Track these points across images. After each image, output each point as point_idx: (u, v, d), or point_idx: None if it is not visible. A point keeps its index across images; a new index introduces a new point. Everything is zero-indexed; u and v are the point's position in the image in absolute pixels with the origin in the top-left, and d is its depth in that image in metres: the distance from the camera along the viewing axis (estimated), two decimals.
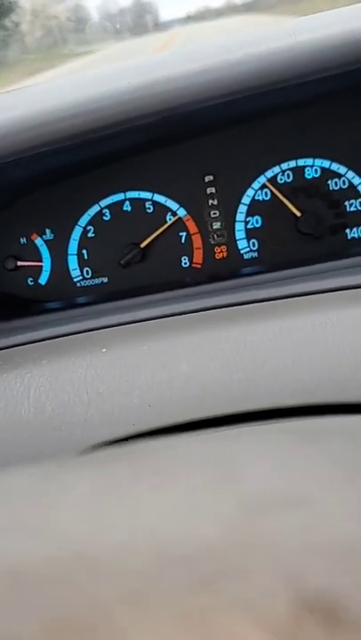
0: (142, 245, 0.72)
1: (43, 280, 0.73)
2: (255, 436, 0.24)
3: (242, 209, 0.72)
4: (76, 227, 0.72)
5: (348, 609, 0.13)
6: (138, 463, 0.21)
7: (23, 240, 0.72)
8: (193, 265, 0.73)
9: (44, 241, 0.72)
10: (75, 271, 0.73)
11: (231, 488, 0.18)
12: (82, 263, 0.73)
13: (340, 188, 0.71)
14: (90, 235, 0.72)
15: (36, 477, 0.21)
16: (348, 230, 0.72)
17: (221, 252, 0.73)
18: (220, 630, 0.13)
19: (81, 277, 0.73)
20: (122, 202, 0.72)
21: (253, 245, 0.73)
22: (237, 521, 0.16)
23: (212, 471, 0.19)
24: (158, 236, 0.72)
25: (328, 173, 0.71)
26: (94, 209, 0.72)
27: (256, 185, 0.71)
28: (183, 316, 0.58)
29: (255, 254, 0.73)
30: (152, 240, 0.72)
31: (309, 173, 0.71)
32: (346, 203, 0.71)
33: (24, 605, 0.15)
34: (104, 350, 0.53)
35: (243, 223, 0.72)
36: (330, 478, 0.18)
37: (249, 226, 0.72)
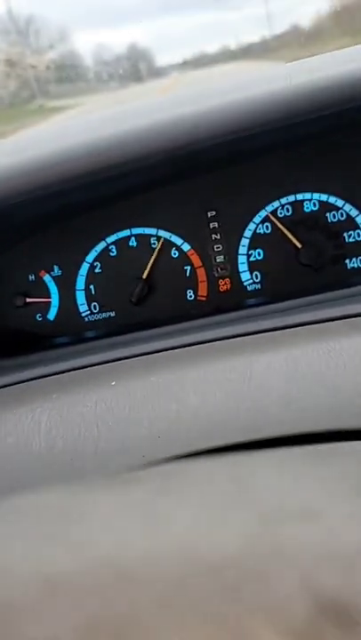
0: (148, 280, 0.73)
1: (51, 316, 0.75)
2: (269, 458, 0.25)
3: (244, 242, 0.74)
4: (84, 263, 0.74)
5: None
6: (161, 482, 0.22)
7: (32, 277, 0.74)
8: (198, 298, 0.75)
9: (52, 277, 0.74)
10: (82, 306, 0.75)
11: (250, 503, 0.19)
12: (89, 298, 0.74)
13: (339, 220, 0.73)
14: (97, 270, 0.74)
15: (64, 495, 0.21)
16: (347, 260, 0.73)
17: (225, 284, 0.75)
18: (243, 635, 0.14)
19: (89, 312, 0.75)
20: (127, 238, 0.74)
21: (256, 277, 0.74)
22: (257, 533, 0.17)
23: (231, 488, 0.20)
24: (164, 270, 0.74)
25: (326, 206, 0.73)
26: (101, 245, 0.74)
27: (257, 219, 0.74)
28: (190, 347, 0.59)
29: (258, 286, 0.74)
30: (158, 274, 0.74)
31: (308, 207, 0.73)
32: (345, 234, 0.73)
33: (60, 612, 0.15)
34: (113, 383, 0.54)
35: (245, 256, 0.74)
36: (341, 494, 0.19)
37: (251, 258, 0.74)
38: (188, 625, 0.14)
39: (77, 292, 0.74)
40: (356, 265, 0.73)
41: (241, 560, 0.16)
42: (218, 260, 0.74)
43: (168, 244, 0.74)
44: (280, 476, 0.21)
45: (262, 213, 0.73)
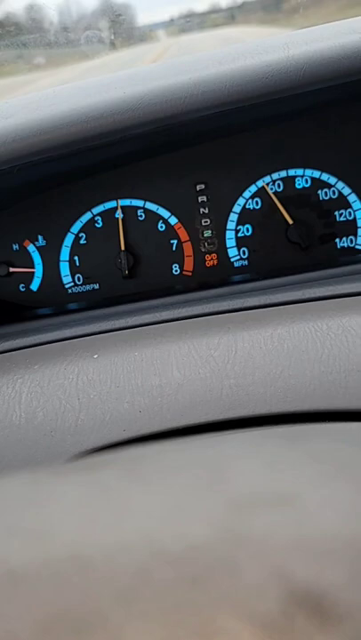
0: (133, 252, 0.72)
1: (34, 286, 0.73)
2: (241, 439, 0.25)
3: (233, 217, 0.73)
4: (69, 234, 0.72)
5: (336, 602, 0.14)
6: (126, 468, 0.21)
7: (15, 246, 0.72)
8: (184, 272, 0.73)
9: (37, 247, 0.73)
10: (66, 277, 0.73)
11: (219, 488, 0.19)
12: (73, 270, 0.73)
13: (330, 197, 0.72)
14: (82, 242, 0.73)
15: (26, 482, 0.21)
16: (337, 240, 0.73)
17: (212, 259, 0.74)
18: (211, 626, 0.13)
19: (72, 284, 0.73)
20: (114, 209, 0.72)
21: (244, 254, 0.73)
22: (225, 519, 0.17)
23: (200, 473, 0.20)
24: (149, 243, 0.73)
25: (318, 183, 0.72)
26: (86, 216, 0.72)
27: (247, 194, 0.72)
28: (174, 322, 0.58)
29: (245, 262, 0.73)
30: (143, 248, 0.73)
31: (300, 183, 0.72)
32: (336, 212, 0.72)
33: (21, 605, 0.15)
34: (95, 356, 0.53)
35: (233, 232, 0.73)
36: (315, 477, 0.19)
37: (240, 234, 0.73)
38: (153, 617, 0.14)
39: (61, 264, 0.73)
40: (346, 244, 0.73)
41: (208, 549, 0.16)
42: (205, 235, 0.73)
43: (155, 217, 0.72)
44: (253, 458, 0.21)
45: (252, 188, 0.72)
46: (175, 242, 0.73)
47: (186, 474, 0.20)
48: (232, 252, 0.73)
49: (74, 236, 0.73)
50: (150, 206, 0.72)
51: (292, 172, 0.72)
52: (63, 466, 0.25)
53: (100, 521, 0.18)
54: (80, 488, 0.20)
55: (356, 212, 0.72)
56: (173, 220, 0.73)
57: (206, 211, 0.73)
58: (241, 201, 0.73)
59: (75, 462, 0.25)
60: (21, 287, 0.73)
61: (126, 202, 0.72)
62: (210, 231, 0.73)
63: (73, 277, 0.73)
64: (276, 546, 0.16)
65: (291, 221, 0.71)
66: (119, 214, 0.72)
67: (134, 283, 0.73)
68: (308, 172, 0.72)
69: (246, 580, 0.15)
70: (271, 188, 0.72)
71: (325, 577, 0.14)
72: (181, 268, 0.74)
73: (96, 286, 0.74)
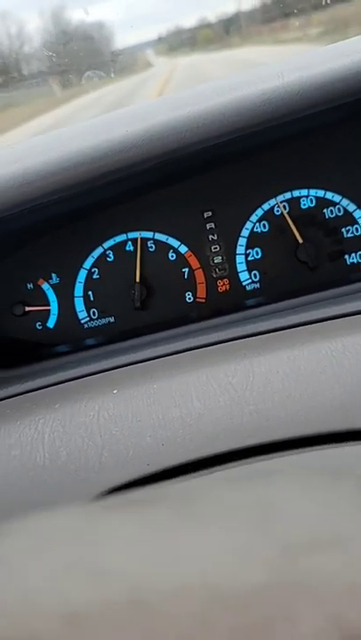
0: (145, 283, 0.73)
1: (51, 323, 0.74)
2: (289, 473, 0.24)
3: (242, 242, 0.73)
4: (81, 269, 0.74)
5: None
6: (181, 504, 0.21)
7: (30, 286, 0.74)
8: (197, 300, 0.74)
9: (51, 285, 0.74)
10: (82, 313, 0.74)
11: (275, 530, 0.18)
12: (88, 304, 0.74)
13: (336, 215, 0.72)
14: (95, 276, 0.74)
15: (80, 518, 0.21)
16: (346, 256, 0.73)
17: (224, 285, 0.74)
18: None
19: (88, 319, 0.74)
20: (124, 242, 0.73)
21: (255, 277, 0.74)
22: (282, 564, 0.17)
23: (252, 513, 0.20)
24: (162, 273, 0.73)
25: (323, 202, 0.72)
26: (98, 251, 0.73)
27: (254, 218, 0.73)
28: (190, 352, 0.59)
29: (257, 285, 0.74)
30: (156, 278, 0.73)
31: (305, 203, 0.72)
32: (343, 230, 0.72)
33: None
34: (115, 391, 0.53)
35: (243, 256, 0.74)
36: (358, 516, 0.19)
37: (250, 258, 0.74)
38: None
39: (76, 299, 0.74)
40: (355, 260, 0.73)
41: (266, 595, 0.16)
42: (216, 261, 0.74)
43: (165, 247, 0.73)
44: (301, 496, 0.20)
45: (259, 212, 0.73)
46: (187, 270, 0.74)
47: (238, 513, 0.20)
48: (243, 276, 0.74)
49: (87, 271, 0.74)
50: (160, 237, 0.73)
51: (296, 193, 0.72)
52: (112, 501, 0.25)
53: (156, 562, 0.18)
54: (133, 526, 0.20)
55: None
56: (183, 249, 0.74)
57: (215, 237, 0.74)
58: (249, 225, 0.73)
59: (123, 497, 0.25)
60: (38, 325, 0.74)
61: (136, 234, 0.73)
62: (220, 257, 0.74)
63: (88, 312, 0.74)
64: (332, 591, 0.16)
65: (301, 240, 0.72)
66: (133, 247, 0.73)
67: (149, 313, 0.74)
68: (313, 191, 0.72)
69: (301, 625, 0.15)
70: (277, 211, 0.73)
71: None
72: (194, 295, 0.74)
73: (112, 319, 0.74)
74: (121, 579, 0.17)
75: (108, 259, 0.74)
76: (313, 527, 0.18)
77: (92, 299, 0.74)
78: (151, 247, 0.74)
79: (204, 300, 0.74)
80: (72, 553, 0.19)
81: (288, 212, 0.72)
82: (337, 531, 0.18)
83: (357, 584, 0.16)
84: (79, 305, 0.74)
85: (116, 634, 0.15)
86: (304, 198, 0.73)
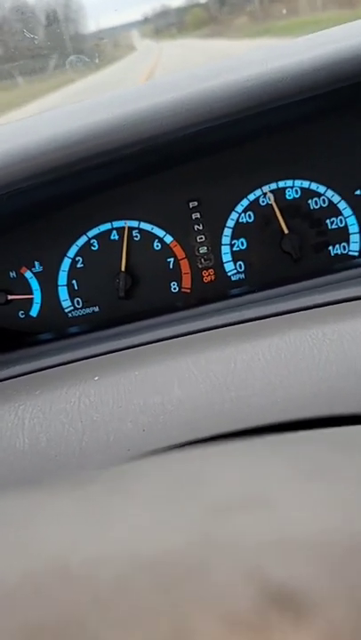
0: (130, 273, 0.73)
1: (34, 312, 0.74)
2: (224, 450, 0.25)
3: (227, 232, 0.73)
4: (65, 258, 0.73)
5: (308, 597, 0.14)
6: (113, 481, 0.21)
7: (12, 274, 0.73)
8: (182, 290, 0.74)
9: (34, 274, 0.73)
10: (65, 302, 0.74)
11: (198, 496, 0.19)
12: (72, 294, 0.74)
13: (321, 206, 0.72)
14: (79, 265, 0.73)
15: (14, 498, 0.21)
16: (330, 247, 0.73)
17: (209, 275, 0.74)
18: (188, 628, 0.14)
19: (72, 307, 0.74)
20: (109, 231, 0.73)
21: (240, 267, 0.74)
22: (201, 526, 0.17)
23: (179, 483, 0.20)
24: (146, 263, 0.73)
25: (308, 193, 0.72)
26: (82, 240, 0.73)
27: (239, 208, 0.73)
28: (174, 339, 0.58)
29: (242, 276, 0.74)
30: (141, 267, 0.73)
31: (290, 194, 0.72)
32: (327, 221, 0.72)
33: (1, 614, 0.15)
34: (96, 378, 0.53)
35: (228, 246, 0.73)
36: (291, 479, 0.19)
37: (235, 248, 0.74)
38: (129, 623, 0.14)
39: (60, 288, 0.74)
40: (339, 251, 0.73)
41: (183, 554, 0.16)
42: (201, 251, 0.74)
43: (150, 237, 0.73)
44: (230, 465, 0.21)
45: (244, 202, 0.73)
46: (172, 260, 0.74)
47: (166, 485, 0.20)
48: (229, 267, 0.74)
49: (71, 260, 0.73)
50: (145, 226, 0.73)
51: (281, 184, 0.72)
52: (46, 483, 0.26)
53: (78, 532, 0.18)
54: (60, 502, 0.20)
55: (347, 219, 0.72)
56: (169, 239, 0.73)
57: (201, 227, 0.74)
58: (234, 215, 0.73)
59: (60, 479, 0.26)
60: (21, 314, 0.74)
61: (121, 223, 0.73)
62: (205, 247, 0.74)
63: (72, 301, 0.74)
64: (251, 548, 0.16)
65: (286, 231, 0.72)
66: (118, 236, 0.73)
67: (134, 303, 0.73)
68: (298, 182, 0.72)
69: (220, 582, 0.15)
70: (262, 201, 0.73)
71: (299, 575, 0.15)
72: (180, 285, 0.74)
73: (96, 309, 0.74)
74: (39, 551, 0.17)
75: (93, 247, 0.73)
76: (237, 489, 0.19)
77: (76, 288, 0.74)
78: (136, 236, 0.73)
79: (189, 291, 0.74)
80: None
81: (274, 202, 0.72)
82: (260, 492, 0.18)
83: (278, 541, 0.16)
84: (63, 294, 0.74)
85: (30, 602, 0.15)
86: (289, 189, 0.73)
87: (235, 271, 0.74)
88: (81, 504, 0.20)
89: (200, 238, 0.74)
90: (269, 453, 0.23)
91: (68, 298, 0.74)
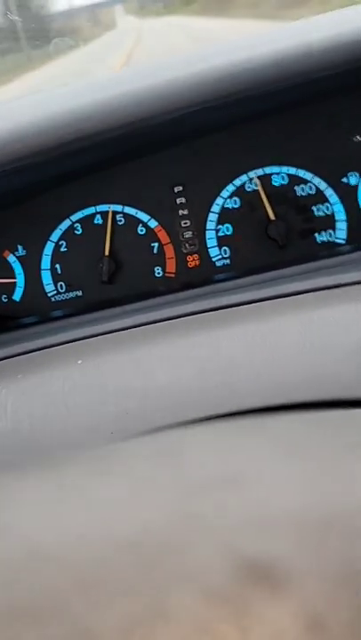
0: (114, 257, 0.72)
1: (17, 296, 0.73)
2: (203, 430, 0.25)
3: (212, 217, 0.73)
4: (48, 242, 0.72)
5: (284, 569, 0.14)
6: (92, 463, 0.21)
7: None
8: (166, 274, 0.74)
9: (17, 257, 0.72)
10: (49, 286, 0.73)
11: (176, 477, 0.19)
12: (55, 278, 0.73)
13: (308, 193, 0.72)
14: (62, 249, 0.73)
15: None
16: (316, 234, 0.73)
17: (194, 260, 0.74)
18: (167, 604, 0.14)
19: (55, 292, 0.73)
20: (93, 215, 0.72)
21: (225, 253, 0.73)
22: (177, 505, 0.17)
23: (160, 465, 0.20)
24: (131, 247, 0.73)
25: (295, 180, 0.72)
26: (65, 223, 0.72)
27: (225, 193, 0.73)
28: (158, 324, 0.58)
29: (227, 261, 0.73)
30: (125, 252, 0.73)
31: (277, 180, 0.72)
32: (313, 208, 0.72)
33: None
34: (80, 362, 0.53)
35: (213, 231, 0.73)
36: (265, 459, 0.19)
37: (220, 234, 0.73)
38: (107, 602, 0.14)
39: (43, 272, 0.73)
40: (325, 239, 0.73)
41: (160, 533, 0.16)
42: (186, 236, 0.73)
43: (134, 221, 0.73)
44: (208, 446, 0.21)
45: (230, 188, 0.72)
46: (156, 244, 0.73)
47: (142, 465, 0.20)
48: (213, 252, 0.74)
49: (54, 244, 0.72)
50: (129, 210, 0.73)
51: (268, 170, 0.72)
52: (25, 466, 0.26)
53: (56, 513, 0.18)
54: (38, 484, 0.20)
55: (334, 207, 0.72)
56: (153, 223, 0.73)
57: (186, 212, 0.73)
58: (220, 200, 0.73)
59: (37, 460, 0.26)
60: (3, 298, 0.73)
61: (105, 207, 0.72)
62: (190, 232, 0.73)
63: (55, 285, 0.73)
64: (226, 525, 0.16)
65: (273, 217, 0.71)
66: (102, 220, 0.72)
67: (118, 287, 0.73)
68: (285, 168, 0.72)
69: (197, 558, 0.15)
70: (248, 187, 0.72)
71: (273, 548, 0.15)
72: (164, 270, 0.74)
73: (79, 293, 0.73)
74: (18, 532, 0.17)
75: (76, 232, 0.72)
76: (214, 469, 0.19)
77: (59, 272, 0.73)
78: (120, 221, 0.73)
79: (173, 275, 0.74)
80: None
81: (261, 189, 0.72)
82: (236, 470, 0.19)
83: (254, 518, 0.16)
84: (46, 278, 0.73)
85: (8, 583, 0.15)
86: (276, 175, 0.72)
87: (220, 257, 0.74)
88: (57, 485, 0.20)
89: (185, 223, 0.73)
90: (247, 434, 0.23)
91: (51, 282, 0.73)
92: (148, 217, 0.73)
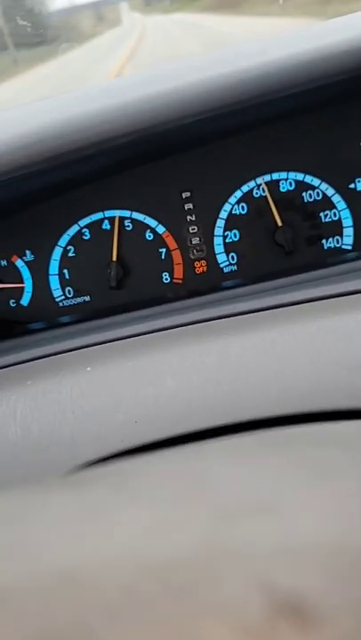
0: (122, 263, 0.72)
1: (25, 301, 0.73)
2: (225, 447, 0.25)
3: (220, 223, 0.73)
4: (57, 247, 0.72)
5: (316, 606, 0.14)
6: (112, 483, 0.21)
7: (3, 262, 0.73)
8: (174, 280, 0.74)
9: (25, 262, 0.73)
10: (57, 291, 0.73)
11: (204, 500, 0.19)
12: (63, 283, 0.73)
13: (315, 199, 0.72)
14: (70, 254, 0.73)
15: (15, 499, 0.21)
16: (324, 241, 0.73)
17: (201, 266, 0.74)
18: (197, 636, 0.14)
19: (63, 297, 0.73)
20: (101, 221, 0.73)
21: (232, 259, 0.74)
22: (209, 531, 0.17)
23: (184, 485, 0.20)
24: (138, 253, 0.73)
25: (302, 186, 0.72)
26: (74, 229, 0.72)
27: (233, 199, 0.73)
28: (166, 331, 0.58)
29: (234, 267, 0.74)
30: (132, 258, 0.73)
31: (284, 186, 0.72)
32: (321, 214, 0.72)
33: (7, 623, 0.15)
34: (88, 369, 0.53)
35: (221, 238, 0.73)
36: (296, 484, 0.19)
37: (227, 240, 0.73)
38: (138, 630, 0.14)
39: (51, 277, 0.73)
40: (332, 245, 0.73)
41: (192, 561, 0.16)
42: (193, 242, 0.73)
43: (142, 227, 0.73)
44: (236, 467, 0.21)
45: (238, 194, 0.73)
46: (164, 250, 0.73)
47: (170, 486, 0.20)
48: (221, 258, 0.74)
49: (62, 249, 0.73)
50: (137, 216, 0.73)
51: (276, 176, 0.72)
52: (50, 482, 0.25)
53: (85, 537, 0.18)
54: (66, 504, 0.20)
55: (341, 213, 0.72)
56: (161, 229, 0.73)
57: (193, 218, 0.73)
58: (227, 207, 0.73)
59: (63, 478, 0.25)
60: (12, 303, 0.73)
61: (113, 212, 0.73)
62: (198, 238, 0.74)
63: (63, 290, 0.73)
64: (259, 555, 0.16)
65: (280, 223, 0.71)
66: (110, 225, 0.72)
67: (125, 293, 0.73)
68: (292, 174, 0.72)
69: (229, 590, 0.15)
70: (256, 193, 0.72)
71: (305, 583, 0.15)
72: (171, 276, 0.74)
73: (87, 298, 0.74)
74: (45, 554, 0.17)
75: (84, 237, 0.73)
76: (243, 493, 0.19)
77: (67, 277, 0.73)
78: (128, 226, 0.73)
79: (181, 281, 0.74)
80: (3, 532, 0.19)
81: (268, 195, 0.72)
82: (267, 497, 0.18)
83: (286, 549, 0.16)
84: (54, 283, 0.73)
85: (38, 608, 0.15)
86: (283, 181, 0.72)
87: (227, 263, 0.74)
88: (85, 505, 0.19)
89: (192, 229, 0.73)
90: (274, 452, 0.22)
91: (59, 287, 0.73)
92: (156, 222, 0.73)
